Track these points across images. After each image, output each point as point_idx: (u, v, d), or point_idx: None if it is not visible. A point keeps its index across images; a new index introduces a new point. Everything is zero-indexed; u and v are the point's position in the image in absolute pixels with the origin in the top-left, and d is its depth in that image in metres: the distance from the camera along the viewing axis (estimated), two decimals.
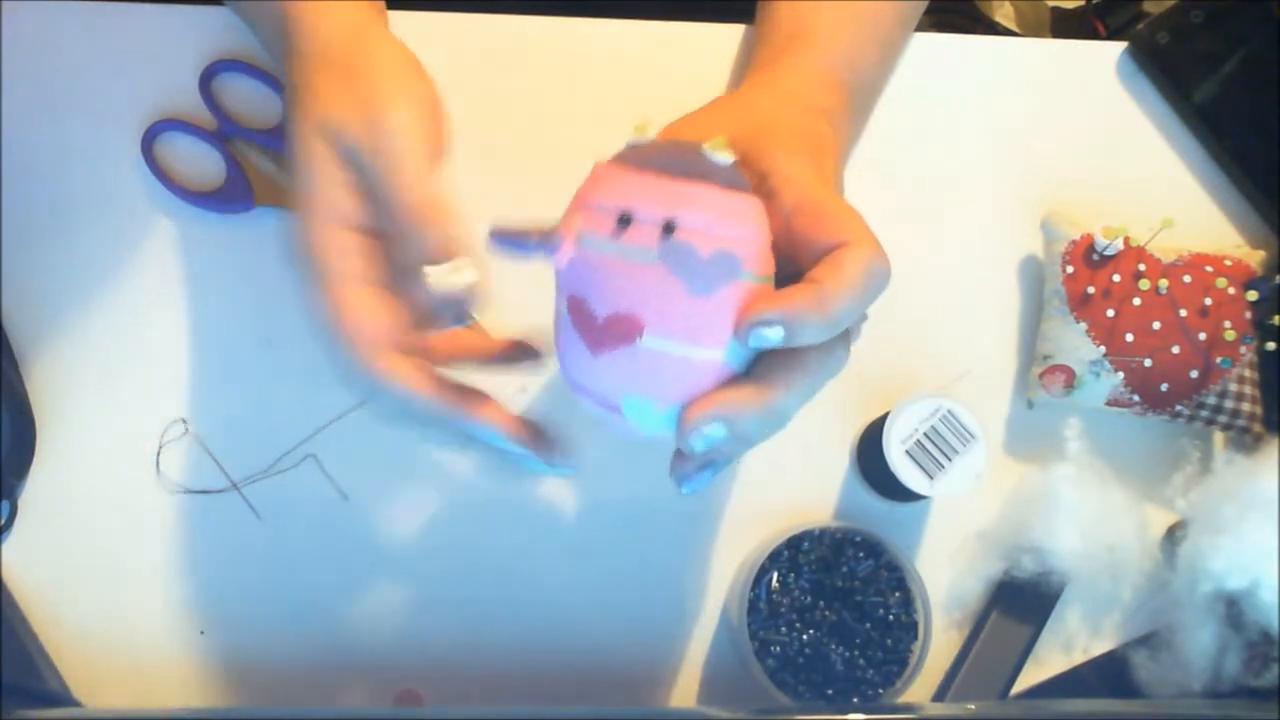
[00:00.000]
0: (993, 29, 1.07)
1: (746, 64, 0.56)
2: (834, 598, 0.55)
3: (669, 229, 0.39)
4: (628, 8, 0.65)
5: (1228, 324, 0.59)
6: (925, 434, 0.55)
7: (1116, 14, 1.04)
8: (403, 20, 0.53)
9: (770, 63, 0.51)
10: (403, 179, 0.43)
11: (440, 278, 0.42)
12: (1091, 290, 0.59)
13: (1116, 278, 0.59)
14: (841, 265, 0.39)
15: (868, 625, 0.55)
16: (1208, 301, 0.59)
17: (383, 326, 0.43)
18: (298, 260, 0.44)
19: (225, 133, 0.62)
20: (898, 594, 0.55)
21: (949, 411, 0.56)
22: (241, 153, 0.62)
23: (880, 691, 0.54)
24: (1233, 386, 0.59)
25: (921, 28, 0.60)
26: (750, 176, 0.42)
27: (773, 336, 0.39)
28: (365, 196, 0.44)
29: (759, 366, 0.41)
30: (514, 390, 0.60)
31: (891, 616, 0.55)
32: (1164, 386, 0.59)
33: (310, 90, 0.45)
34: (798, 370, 0.41)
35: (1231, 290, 0.59)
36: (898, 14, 0.55)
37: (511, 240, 0.41)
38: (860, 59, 0.53)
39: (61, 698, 0.56)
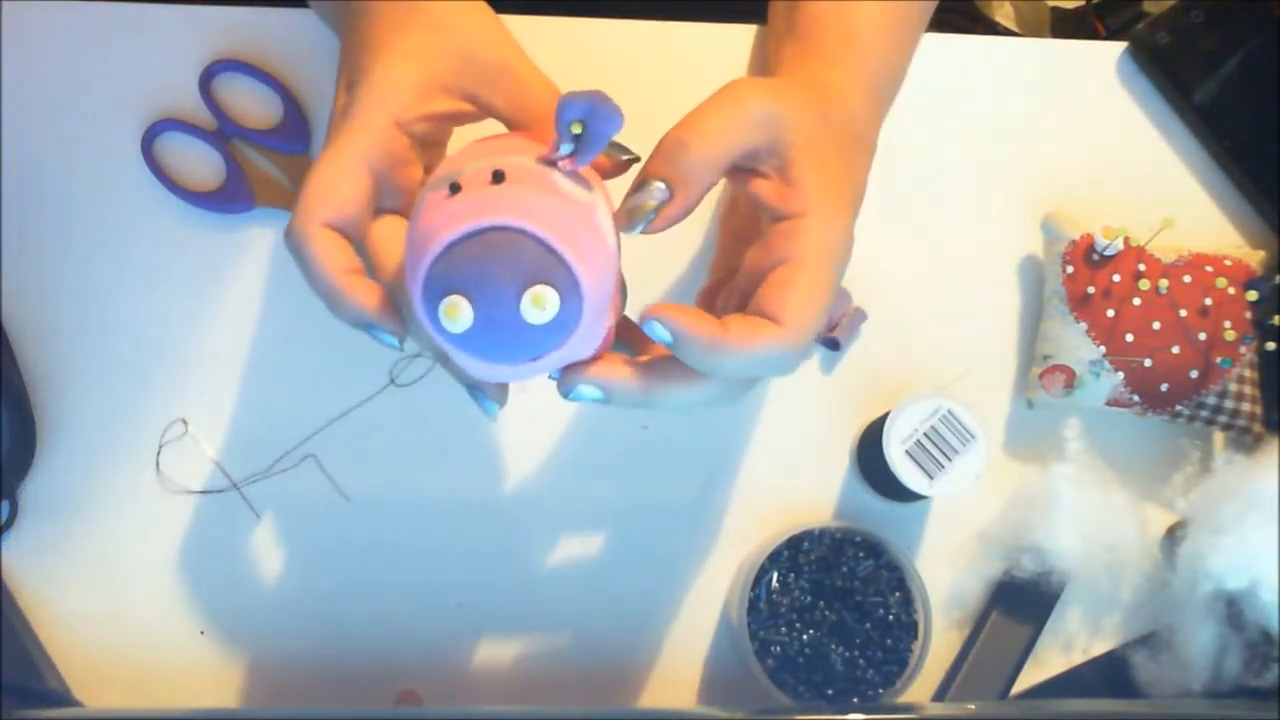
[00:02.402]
0: (993, 29, 1.07)
1: (770, 52, 0.56)
2: (834, 598, 0.55)
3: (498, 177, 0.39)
4: (628, 8, 0.65)
5: (1228, 324, 0.59)
6: (925, 434, 0.55)
7: (1116, 14, 1.03)
8: None
9: (823, 62, 0.50)
10: (535, 78, 0.46)
11: (634, 201, 0.43)
12: (1091, 290, 0.59)
13: (1116, 278, 0.59)
14: (753, 326, 0.43)
15: (868, 625, 0.55)
16: (1208, 301, 0.59)
17: (336, 201, 0.43)
18: (330, 137, 0.45)
19: (225, 133, 0.62)
20: (898, 594, 0.55)
21: (949, 411, 0.56)
22: (241, 153, 0.62)
23: (880, 691, 0.54)
24: (1233, 386, 0.59)
25: None
26: (769, 168, 0.45)
27: (590, 396, 0.43)
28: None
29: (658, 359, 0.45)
30: (515, 389, 0.60)
31: (891, 616, 0.55)
32: (1164, 386, 0.59)
33: (430, 19, 0.46)
34: (686, 383, 0.44)
35: (1231, 290, 0.59)
36: (923, 14, 0.55)
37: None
38: (897, 68, 0.53)
39: (61, 698, 0.56)
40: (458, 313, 0.39)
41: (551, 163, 0.40)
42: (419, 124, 0.45)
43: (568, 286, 0.39)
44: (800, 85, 0.48)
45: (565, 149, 0.40)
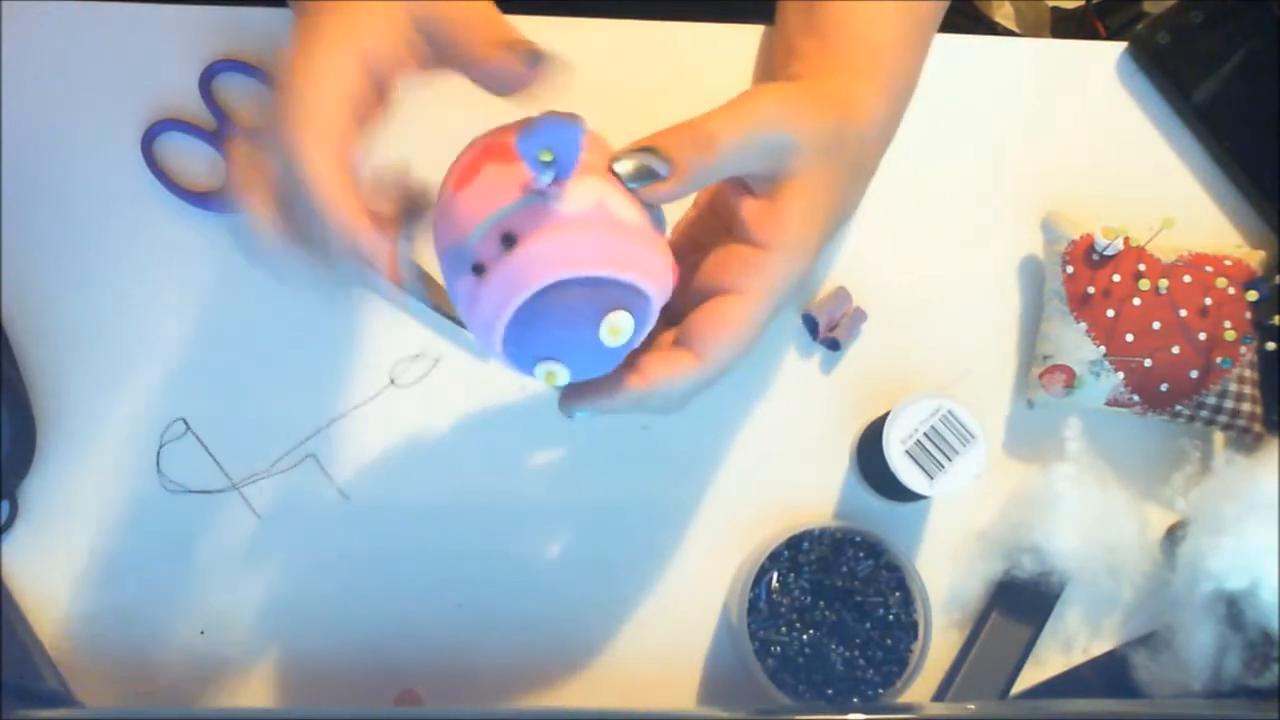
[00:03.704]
0: (993, 29, 1.07)
1: (779, 47, 0.55)
2: (834, 598, 0.55)
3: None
4: (628, 8, 0.65)
5: (1228, 324, 0.59)
6: (925, 434, 0.55)
7: (1116, 14, 1.03)
8: None
9: (851, 75, 0.50)
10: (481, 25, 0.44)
11: (632, 156, 0.43)
12: (1091, 290, 0.59)
13: (1116, 278, 0.59)
14: (671, 366, 0.45)
15: (868, 625, 0.55)
16: (1208, 301, 0.59)
17: (335, 114, 0.40)
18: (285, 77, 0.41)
19: (225, 133, 0.62)
20: (898, 594, 0.55)
21: (949, 411, 0.56)
22: None
23: (880, 691, 0.54)
24: (1233, 386, 0.59)
25: None
26: (763, 176, 0.45)
27: (584, 414, 0.46)
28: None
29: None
30: (514, 389, 0.60)
31: (891, 616, 0.55)
32: (1164, 386, 0.59)
33: None
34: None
35: (1231, 290, 0.59)
36: (936, 26, 0.56)
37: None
38: (914, 84, 0.54)
39: (61, 698, 0.56)
40: (555, 376, 0.41)
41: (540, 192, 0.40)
42: (388, 55, 0.43)
43: (630, 296, 0.41)
44: (825, 103, 0.47)
45: (546, 178, 0.39)
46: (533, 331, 0.40)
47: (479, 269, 0.40)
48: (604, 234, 0.40)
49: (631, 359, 0.45)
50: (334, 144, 0.40)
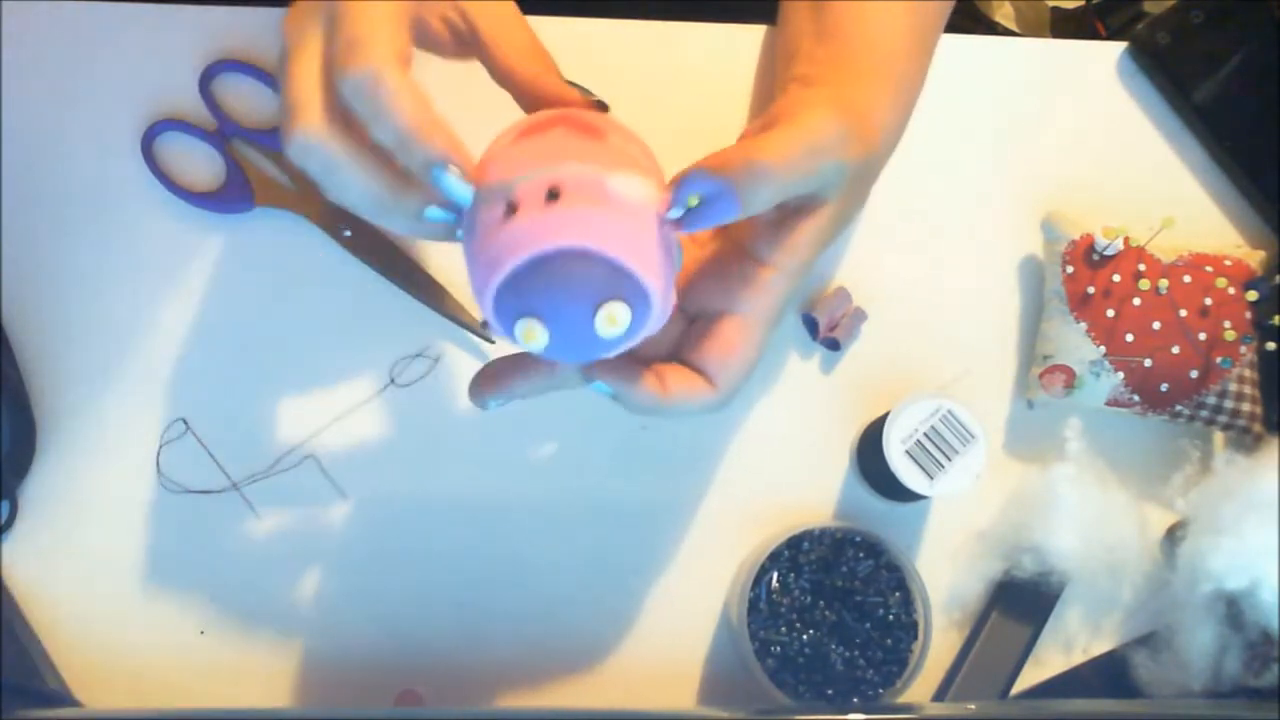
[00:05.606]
0: (993, 29, 1.07)
1: (783, 48, 0.55)
2: (834, 598, 0.55)
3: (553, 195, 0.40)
4: (628, 8, 0.65)
5: (1228, 324, 0.59)
6: (925, 434, 0.55)
7: (1116, 14, 1.03)
8: None
9: (866, 88, 0.49)
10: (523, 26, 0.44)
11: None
12: (1091, 290, 0.59)
13: (1116, 278, 0.59)
14: (690, 387, 0.46)
15: (868, 625, 0.55)
16: (1208, 301, 0.59)
17: (400, 40, 0.40)
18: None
19: (225, 133, 0.62)
20: (898, 594, 0.55)
21: (949, 411, 0.56)
22: (241, 153, 0.62)
23: (880, 691, 0.54)
24: (1233, 386, 0.59)
25: None
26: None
27: (605, 391, 0.46)
28: None
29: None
30: None
31: (891, 616, 0.55)
32: (1164, 386, 0.59)
33: None
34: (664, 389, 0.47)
35: (1231, 290, 0.59)
36: (941, 17, 0.55)
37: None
38: (919, 88, 0.54)
39: (61, 698, 0.56)
40: (534, 335, 0.40)
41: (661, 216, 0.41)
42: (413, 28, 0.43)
43: (637, 297, 0.40)
44: (860, 129, 0.47)
45: (676, 214, 0.41)
46: (535, 284, 0.40)
47: (512, 208, 0.40)
48: (643, 230, 0.40)
49: (644, 362, 0.45)
50: (405, 66, 0.40)
